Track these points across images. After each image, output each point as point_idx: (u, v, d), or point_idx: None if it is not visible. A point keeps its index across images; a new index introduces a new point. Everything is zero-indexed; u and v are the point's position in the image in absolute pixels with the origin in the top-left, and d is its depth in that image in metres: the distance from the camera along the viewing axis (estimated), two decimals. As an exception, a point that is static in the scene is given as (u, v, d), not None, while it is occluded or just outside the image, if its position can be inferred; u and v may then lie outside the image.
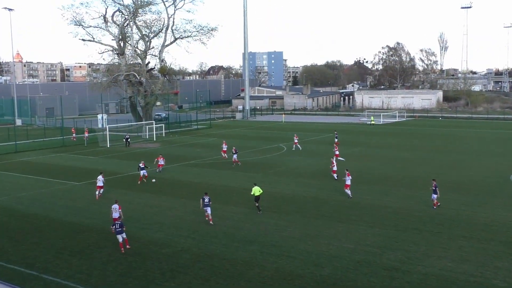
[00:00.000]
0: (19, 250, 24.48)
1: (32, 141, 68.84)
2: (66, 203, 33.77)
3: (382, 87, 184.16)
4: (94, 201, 33.98)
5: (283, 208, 31.55)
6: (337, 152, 48.43)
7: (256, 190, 30.40)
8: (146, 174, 39.73)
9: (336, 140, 60.67)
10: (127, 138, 64.97)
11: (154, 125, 72.93)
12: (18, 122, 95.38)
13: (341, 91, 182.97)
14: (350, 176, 33.93)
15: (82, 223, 28.80)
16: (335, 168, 39.63)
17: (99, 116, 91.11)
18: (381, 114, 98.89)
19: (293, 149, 57.66)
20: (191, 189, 36.72)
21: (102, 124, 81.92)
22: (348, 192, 33.79)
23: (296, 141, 59.01)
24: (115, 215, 26.77)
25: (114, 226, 24.36)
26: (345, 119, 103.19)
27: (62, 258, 23.21)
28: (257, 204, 30.57)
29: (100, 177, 34.89)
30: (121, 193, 36.42)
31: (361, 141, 65.12)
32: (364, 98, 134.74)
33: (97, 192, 34.81)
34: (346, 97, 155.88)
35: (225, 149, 51.87)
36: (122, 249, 23.88)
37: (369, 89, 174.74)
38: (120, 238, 24.04)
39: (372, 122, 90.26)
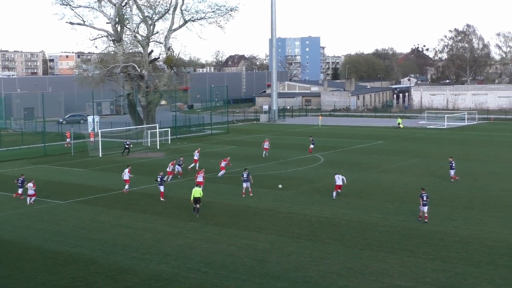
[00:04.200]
0: (-12, 285, 24.79)
1: (6, 149, 69.98)
2: (46, 226, 34.06)
3: (447, 81, 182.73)
4: (82, 225, 34.26)
5: (320, 235, 31.36)
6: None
7: (197, 192, 35.59)
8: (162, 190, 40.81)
9: (311, 146, 63.84)
10: (128, 145, 65.82)
11: (157, 130, 73.42)
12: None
13: (394, 86, 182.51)
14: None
15: (67, 253, 29.01)
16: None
17: (90, 119, 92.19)
18: (445, 115, 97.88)
19: (264, 155, 60.45)
20: (204, 210, 36.73)
21: (94, 128, 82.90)
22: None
23: (266, 146, 60.92)
24: (125, 177, 42.22)
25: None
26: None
27: (42, 296, 23.39)
28: (197, 206, 35.49)
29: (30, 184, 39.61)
30: (115, 215, 36.74)
31: (419, 150, 64.64)
32: (424, 96, 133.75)
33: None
34: (401, 95, 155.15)
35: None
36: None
37: (430, 84, 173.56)
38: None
39: (401, 126, 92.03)
